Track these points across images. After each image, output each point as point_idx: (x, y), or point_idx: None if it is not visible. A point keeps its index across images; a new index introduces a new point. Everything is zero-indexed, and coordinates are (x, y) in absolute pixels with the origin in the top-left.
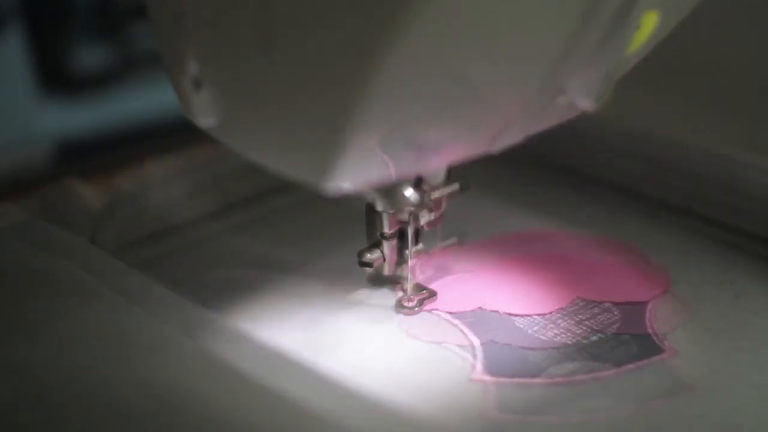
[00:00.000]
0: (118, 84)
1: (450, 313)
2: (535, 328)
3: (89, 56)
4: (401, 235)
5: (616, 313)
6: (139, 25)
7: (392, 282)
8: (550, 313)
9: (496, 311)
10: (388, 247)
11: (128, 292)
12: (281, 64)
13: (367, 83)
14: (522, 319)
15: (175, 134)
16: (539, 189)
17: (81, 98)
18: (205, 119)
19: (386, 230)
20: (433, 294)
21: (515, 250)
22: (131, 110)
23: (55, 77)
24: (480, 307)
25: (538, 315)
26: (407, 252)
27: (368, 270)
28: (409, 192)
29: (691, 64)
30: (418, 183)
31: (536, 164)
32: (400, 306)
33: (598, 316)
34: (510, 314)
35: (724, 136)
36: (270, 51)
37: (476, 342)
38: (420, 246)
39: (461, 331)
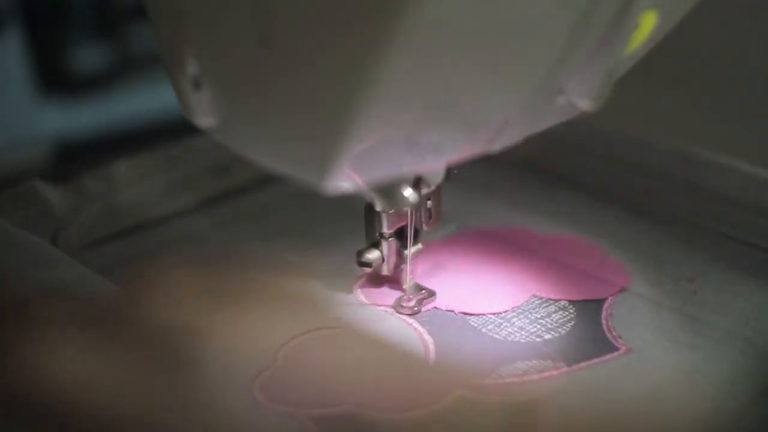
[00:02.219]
0: (116, 84)
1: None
2: (489, 327)
3: (88, 56)
4: (400, 235)
5: (571, 311)
6: (138, 26)
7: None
8: (505, 311)
9: (451, 310)
10: (387, 247)
11: (84, 292)
12: (280, 65)
13: (366, 83)
14: (476, 318)
15: (173, 134)
16: (498, 186)
17: (80, 98)
18: (205, 119)
19: (385, 230)
20: (432, 294)
21: (472, 247)
22: (130, 110)
23: (54, 77)
24: (435, 307)
25: (493, 314)
26: (406, 252)
27: (367, 270)
28: (408, 192)
29: (652, 62)
30: (416, 183)
31: (495, 161)
32: (399, 306)
33: (553, 315)
34: (465, 313)
35: (685, 133)
36: (268, 51)
37: (430, 341)
38: (419, 246)
39: (416, 330)
